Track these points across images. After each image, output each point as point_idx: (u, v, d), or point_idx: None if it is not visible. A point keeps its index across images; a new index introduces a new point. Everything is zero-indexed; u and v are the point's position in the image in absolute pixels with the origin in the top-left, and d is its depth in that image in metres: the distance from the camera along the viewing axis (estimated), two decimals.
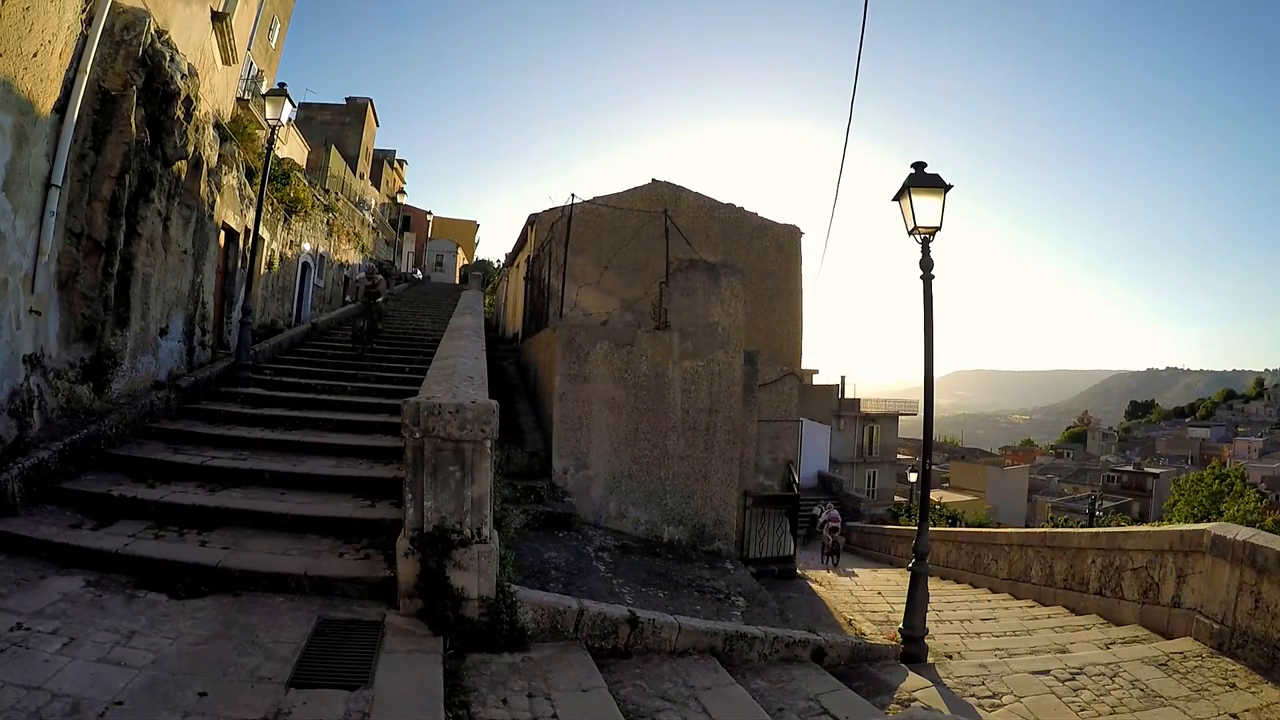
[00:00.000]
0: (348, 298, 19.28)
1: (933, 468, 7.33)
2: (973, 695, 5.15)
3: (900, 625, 6.27)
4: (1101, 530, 9.88)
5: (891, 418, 40.47)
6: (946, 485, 47.92)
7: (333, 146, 28.83)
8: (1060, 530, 11.74)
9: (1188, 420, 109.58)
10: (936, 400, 12.58)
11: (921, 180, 6.31)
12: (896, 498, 36.87)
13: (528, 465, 8.62)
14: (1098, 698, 4.99)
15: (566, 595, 5.22)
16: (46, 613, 4.04)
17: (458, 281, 42.07)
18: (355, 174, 33.26)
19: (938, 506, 29.61)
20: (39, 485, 5.52)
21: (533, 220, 18.52)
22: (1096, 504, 37.04)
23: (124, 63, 6.84)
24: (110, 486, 5.82)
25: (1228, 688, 5.05)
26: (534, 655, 4.44)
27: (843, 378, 41.12)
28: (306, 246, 16.88)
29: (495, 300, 32.01)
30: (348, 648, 4.00)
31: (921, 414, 8.40)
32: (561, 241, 13.29)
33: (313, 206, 17.36)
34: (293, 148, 23.37)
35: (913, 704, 5.07)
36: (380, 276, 14.50)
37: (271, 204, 13.40)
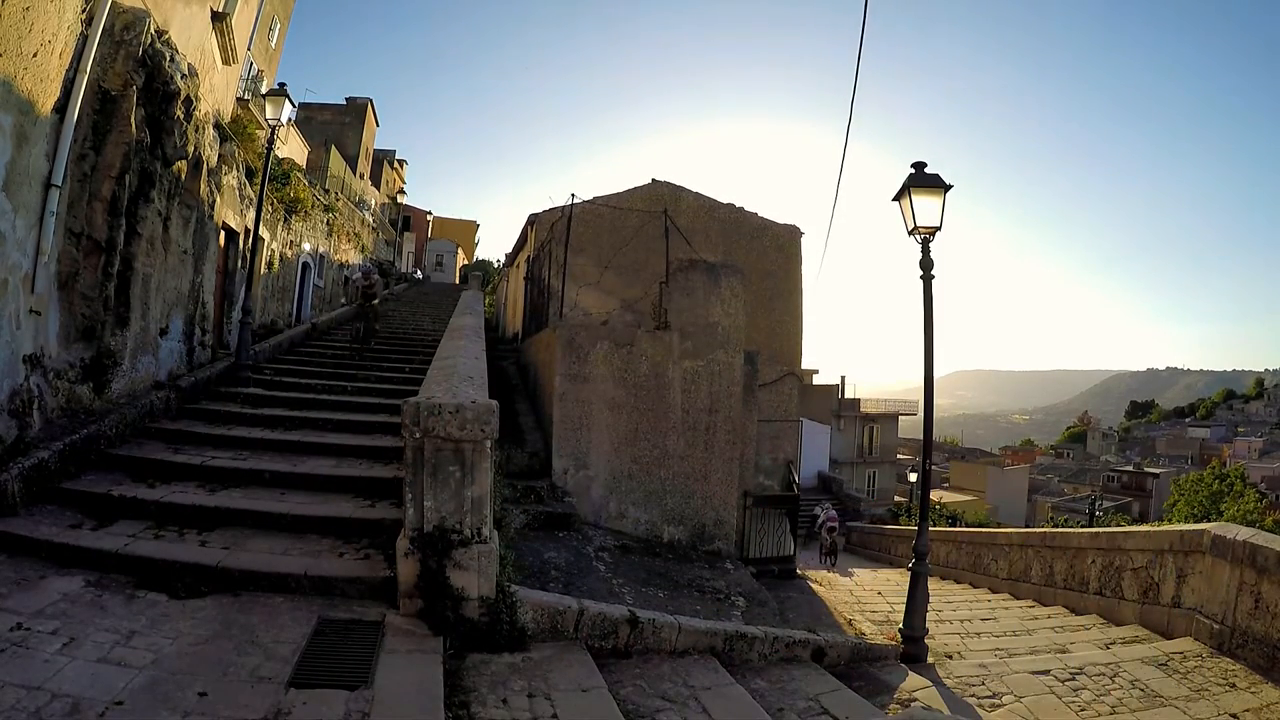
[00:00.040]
0: (343, 300, 19.11)
1: (933, 468, 7.33)
2: (973, 695, 5.16)
3: (900, 625, 6.27)
4: (1101, 530, 9.88)
5: (891, 418, 40.47)
6: (946, 485, 47.93)
7: (333, 146, 28.83)
8: (1060, 530, 11.74)
9: (1188, 420, 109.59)
10: (936, 400, 12.58)
11: (921, 180, 6.31)
12: (896, 498, 36.88)
13: (528, 465, 8.62)
14: (1098, 698, 4.99)
15: (566, 595, 5.22)
16: (46, 613, 4.04)
17: (458, 281, 42.06)
18: (355, 174, 33.27)
19: (938, 506, 29.61)
20: (39, 485, 5.52)
21: (533, 220, 18.52)
22: (1096, 504, 37.04)
23: (124, 63, 6.84)
24: (110, 486, 5.82)
25: (1228, 688, 5.05)
26: (534, 655, 4.44)
27: (843, 378, 41.16)
28: (306, 246, 16.88)
29: (495, 300, 32.01)
30: (348, 648, 4.00)
31: (921, 414, 8.40)
32: (561, 241, 13.29)
33: (313, 206, 17.36)
34: (293, 148, 23.37)
35: (913, 704, 5.07)
36: (377, 277, 14.34)
37: (271, 204, 13.40)
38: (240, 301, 11.27)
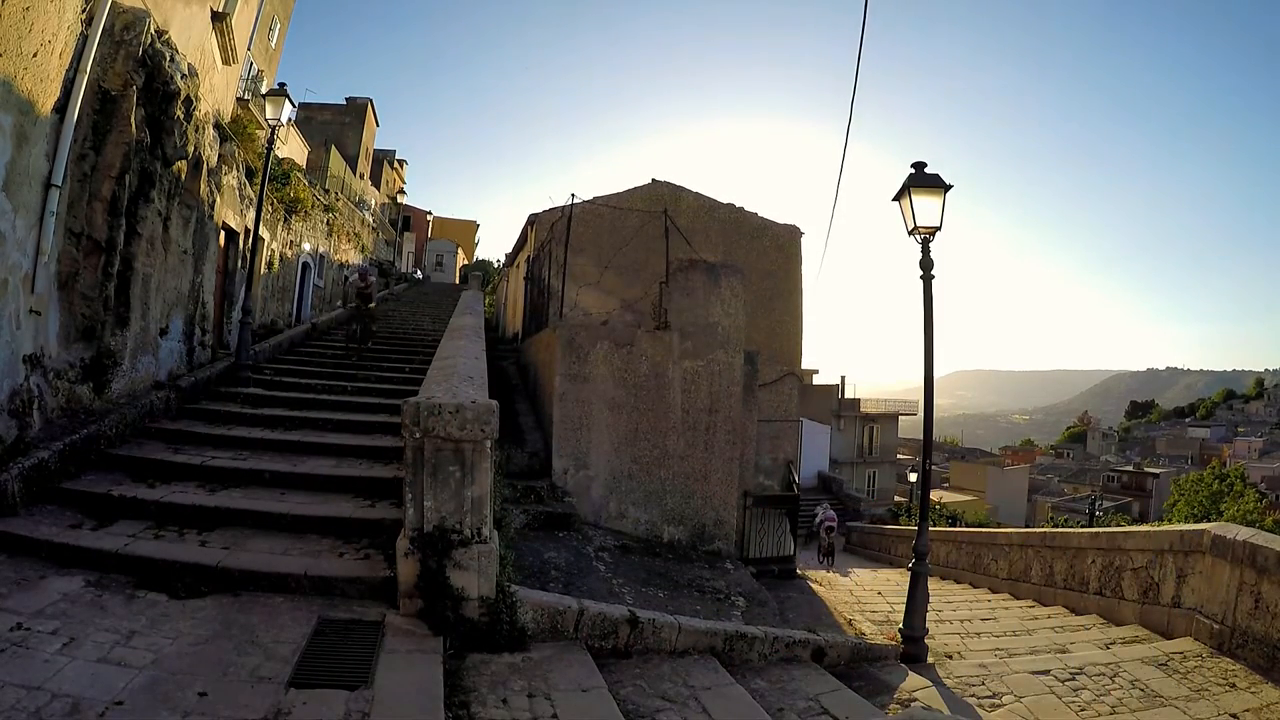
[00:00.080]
0: (338, 302, 18.82)
1: (933, 468, 7.33)
2: (973, 695, 5.16)
3: (900, 625, 6.27)
4: (1101, 530, 9.88)
5: (891, 418, 40.48)
6: (946, 485, 47.93)
7: (333, 146, 28.83)
8: (1060, 530, 11.74)
9: (1188, 420, 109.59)
10: (936, 400, 12.59)
11: (921, 180, 6.31)
12: (896, 498, 36.88)
13: (528, 465, 8.62)
14: (1098, 698, 4.99)
15: (566, 595, 5.22)
16: (46, 613, 4.04)
17: (458, 281, 42.06)
18: (355, 174, 33.27)
19: (938, 506, 29.61)
20: (39, 485, 5.52)
21: (533, 220, 18.52)
22: (1096, 504, 37.04)
23: (124, 63, 6.84)
24: (110, 486, 5.82)
25: (1228, 688, 5.05)
26: (534, 655, 4.44)
27: (843, 378, 41.17)
28: (306, 246, 16.88)
29: (495, 300, 32.01)
30: (348, 648, 4.00)
31: (921, 414, 8.40)
32: (561, 241, 13.28)
33: (313, 206, 17.36)
34: (293, 148, 23.37)
35: (913, 704, 5.07)
36: (373, 278, 14.10)
37: (271, 204, 13.40)
38: (240, 301, 11.27)
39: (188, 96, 8.08)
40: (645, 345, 8.59)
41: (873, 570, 14.51)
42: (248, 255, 11.10)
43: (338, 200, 22.59)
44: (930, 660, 5.98)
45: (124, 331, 7.46)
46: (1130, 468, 60.26)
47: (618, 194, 17.55)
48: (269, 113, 10.68)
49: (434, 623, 4.31)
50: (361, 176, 35.28)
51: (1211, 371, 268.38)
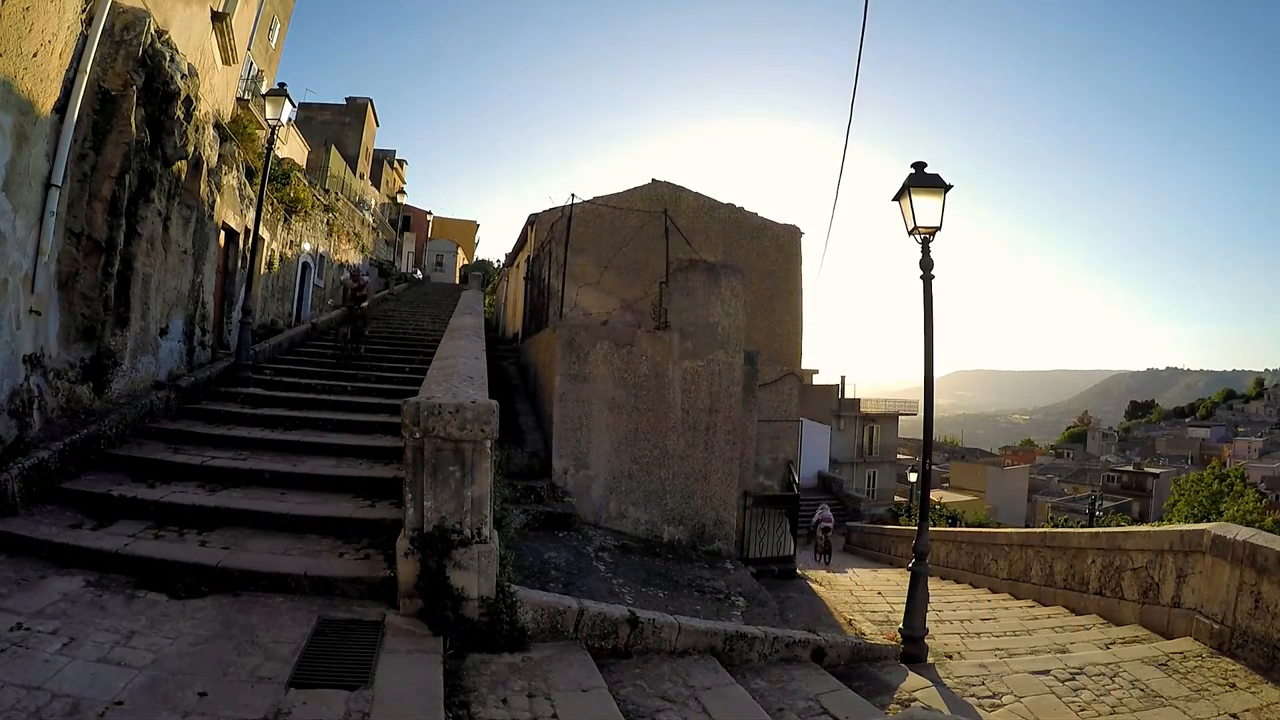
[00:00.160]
0: (330, 303, 18.41)
1: (933, 468, 7.33)
2: (973, 695, 5.15)
3: (900, 625, 6.27)
4: (1101, 530, 9.88)
5: (891, 418, 40.48)
6: (946, 485, 47.93)
7: (333, 146, 28.82)
8: (1060, 530, 11.74)
9: (1188, 420, 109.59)
10: (936, 400, 12.59)
11: (921, 180, 6.31)
12: (896, 498, 36.88)
13: (528, 465, 8.62)
14: (1098, 698, 4.99)
15: (566, 595, 5.22)
16: (46, 613, 4.04)
17: (458, 281, 42.06)
18: (355, 174, 33.27)
19: (938, 506, 29.62)
20: (39, 485, 5.52)
21: (533, 220, 18.53)
22: (1096, 504, 37.04)
23: (124, 63, 6.84)
24: (110, 486, 5.82)
25: (1228, 688, 5.05)
26: (534, 655, 4.44)
27: (843, 378, 41.17)
28: (306, 246, 16.88)
29: (495, 300, 32.01)
30: (348, 648, 4.00)
31: (921, 414, 8.40)
32: (561, 241, 13.28)
33: (313, 206, 17.36)
34: (293, 148, 23.37)
35: (913, 704, 5.07)
36: (366, 279, 13.68)
37: (271, 204, 13.40)
38: (240, 301, 11.27)
39: (188, 96, 8.08)
40: (645, 345, 8.59)
41: (873, 570, 14.51)
42: (248, 255, 11.11)
43: (338, 200, 22.59)
44: (930, 660, 5.98)
45: (124, 331, 7.46)
46: (1130, 468, 60.27)
47: (618, 194, 17.55)
48: (269, 113, 10.68)
49: (434, 623, 4.31)
50: (361, 176, 35.28)
51: (1211, 371, 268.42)
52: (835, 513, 21.46)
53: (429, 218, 54.94)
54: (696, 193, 19.01)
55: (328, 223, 19.43)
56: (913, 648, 6.09)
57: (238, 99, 13.91)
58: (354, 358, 12.25)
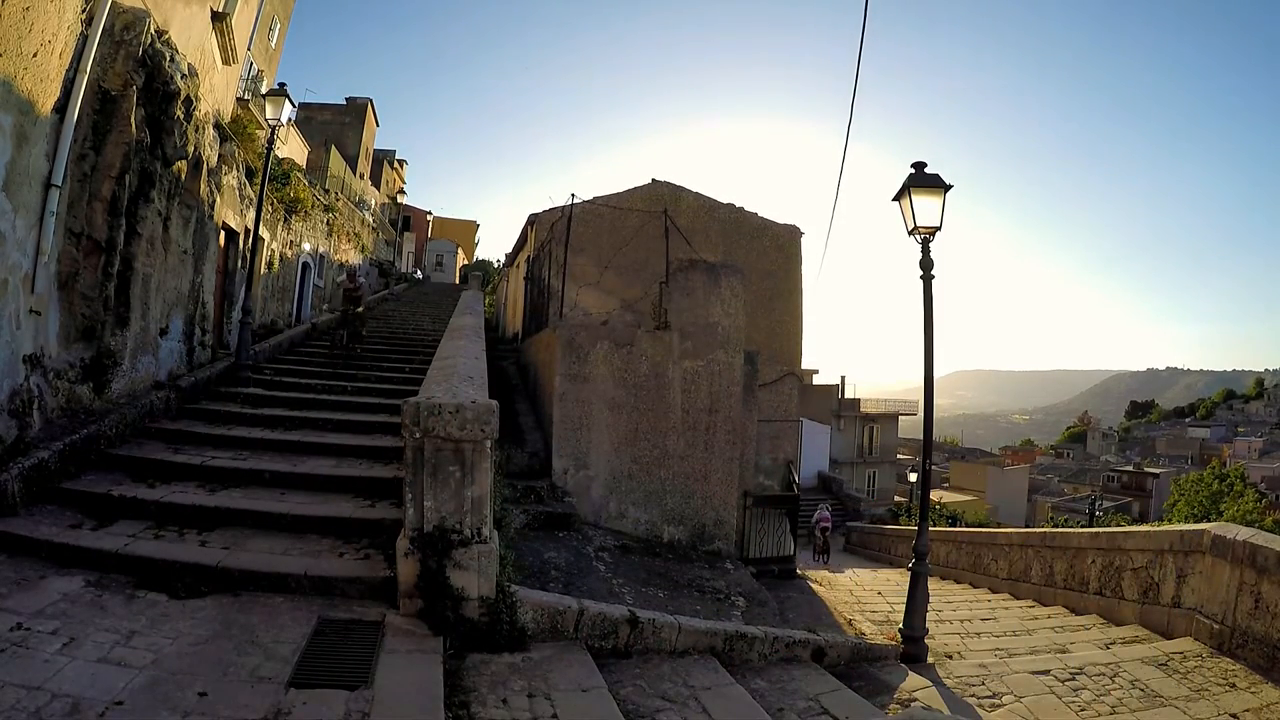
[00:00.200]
0: (324, 305, 18.02)
1: (933, 468, 7.33)
2: (973, 695, 5.15)
3: (900, 625, 6.27)
4: (1101, 530, 9.88)
5: (891, 418, 40.48)
6: (946, 485, 47.93)
7: (333, 146, 28.82)
8: (1060, 530, 11.74)
9: (1188, 420, 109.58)
10: (936, 400, 12.59)
11: (921, 180, 6.31)
12: (896, 498, 36.89)
13: (528, 465, 8.62)
14: (1098, 698, 4.99)
15: (566, 595, 5.22)
16: (46, 613, 4.04)
17: (458, 281, 42.06)
18: (355, 174, 33.26)
19: (938, 506, 29.62)
20: (39, 485, 5.52)
21: (533, 220, 18.53)
22: (1096, 504, 37.04)
23: (124, 63, 6.84)
24: (110, 486, 5.82)
25: (1228, 688, 5.05)
26: (534, 655, 4.44)
27: (843, 378, 41.18)
28: (306, 246, 16.88)
29: (495, 300, 32.02)
30: (348, 648, 4.00)
31: (921, 414, 8.40)
32: (561, 241, 13.28)
33: (313, 206, 17.36)
34: (293, 148, 23.37)
35: (913, 704, 5.07)
36: (362, 279, 13.38)
37: (271, 204, 13.39)
38: (240, 301, 11.27)
39: (188, 96, 8.08)
40: (645, 345, 8.59)
41: (873, 570, 14.51)
42: (248, 255, 11.11)
43: (338, 200, 22.59)
44: (930, 660, 5.98)
45: (124, 331, 7.46)
46: (1130, 468, 60.27)
47: (618, 194, 17.56)
48: (269, 113, 10.68)
49: (434, 623, 4.31)
50: (361, 176, 35.28)
51: (1211, 371, 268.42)
52: (835, 513, 21.55)
53: (429, 218, 54.94)
54: (696, 193, 19.02)
55: (328, 223, 19.43)
56: (913, 648, 6.09)
57: (238, 99, 13.91)
58: (351, 360, 11.99)
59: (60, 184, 6.14)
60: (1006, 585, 9.99)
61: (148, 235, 7.70)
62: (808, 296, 19.97)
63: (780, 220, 19.86)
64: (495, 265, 49.71)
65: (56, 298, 6.54)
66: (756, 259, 18.20)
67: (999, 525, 22.73)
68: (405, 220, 46.29)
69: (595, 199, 16.43)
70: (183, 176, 8.55)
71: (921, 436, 7.10)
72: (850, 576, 12.21)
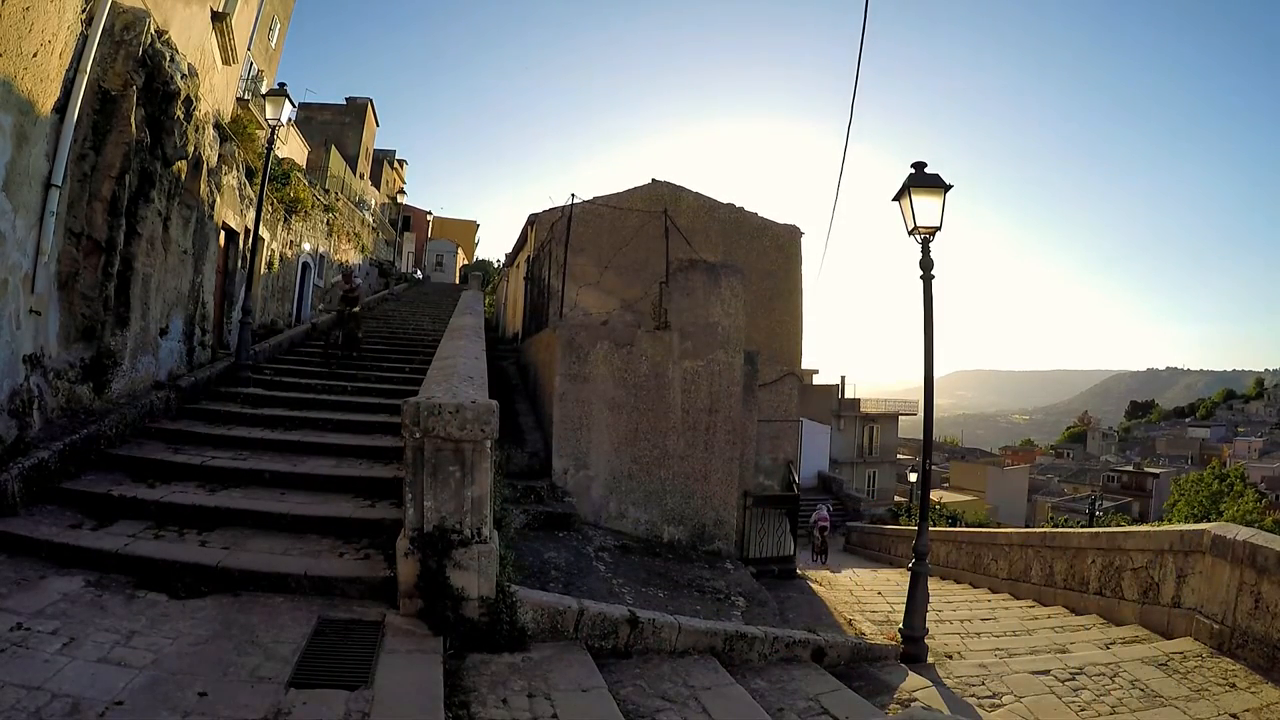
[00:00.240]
0: (320, 306, 17.44)
1: (933, 468, 7.33)
2: (973, 695, 5.15)
3: (900, 625, 6.27)
4: (1101, 530, 9.88)
5: (891, 418, 40.49)
6: (946, 485, 47.93)
7: (333, 146, 28.82)
8: (1060, 530, 11.74)
9: (1188, 420, 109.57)
10: (936, 400, 12.59)
11: (921, 180, 6.31)
12: (896, 498, 36.89)
13: (528, 465, 8.62)
14: (1098, 698, 4.99)
15: (566, 595, 5.22)
16: (46, 613, 4.04)
17: (458, 281, 42.07)
18: (355, 174, 33.26)
19: (938, 506, 29.61)
20: (39, 485, 5.52)
21: (533, 220, 18.53)
22: (1096, 504, 37.04)
23: (124, 63, 6.84)
24: (110, 486, 5.82)
25: (1228, 688, 5.05)
26: (534, 655, 4.44)
27: (843, 378, 41.18)
28: (306, 246, 16.88)
29: (495, 300, 32.02)
30: (348, 648, 4.00)
31: (921, 414, 8.40)
32: (561, 241, 13.28)
33: (313, 206, 17.36)
34: (293, 148, 23.37)
35: (913, 704, 5.07)
36: (359, 280, 13.03)
37: (271, 204, 13.40)
38: (240, 301, 11.27)
39: (188, 96, 8.08)
40: (645, 345, 8.59)
41: (873, 570, 14.51)
42: (248, 255, 11.11)
43: (338, 200, 22.59)
44: (930, 660, 5.98)
45: (124, 331, 7.46)
46: (1130, 468, 60.27)
47: (618, 194, 17.56)
48: (269, 113, 10.68)
49: (434, 623, 4.31)
50: (361, 176, 35.28)
51: (1211, 371, 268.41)
52: (835, 512, 21.59)
53: (429, 218, 54.94)
54: (696, 193, 19.01)
55: (328, 223, 19.43)
56: (913, 648, 6.09)
57: (238, 99, 13.91)
58: (347, 363, 11.64)
59: (60, 184, 6.14)
60: (1006, 585, 9.99)
61: (148, 235, 7.70)
62: (808, 296, 20.01)
63: (780, 220, 19.87)
64: (495, 265, 49.72)
65: (56, 298, 6.54)
66: (756, 259, 18.20)
67: (999, 525, 22.73)
68: (405, 220, 46.29)
69: (595, 199, 16.44)
70: (183, 176, 8.56)
71: (921, 436, 7.10)
72: (850, 576, 12.21)
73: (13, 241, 5.67)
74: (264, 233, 12.41)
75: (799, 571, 9.87)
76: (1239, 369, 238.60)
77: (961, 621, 7.83)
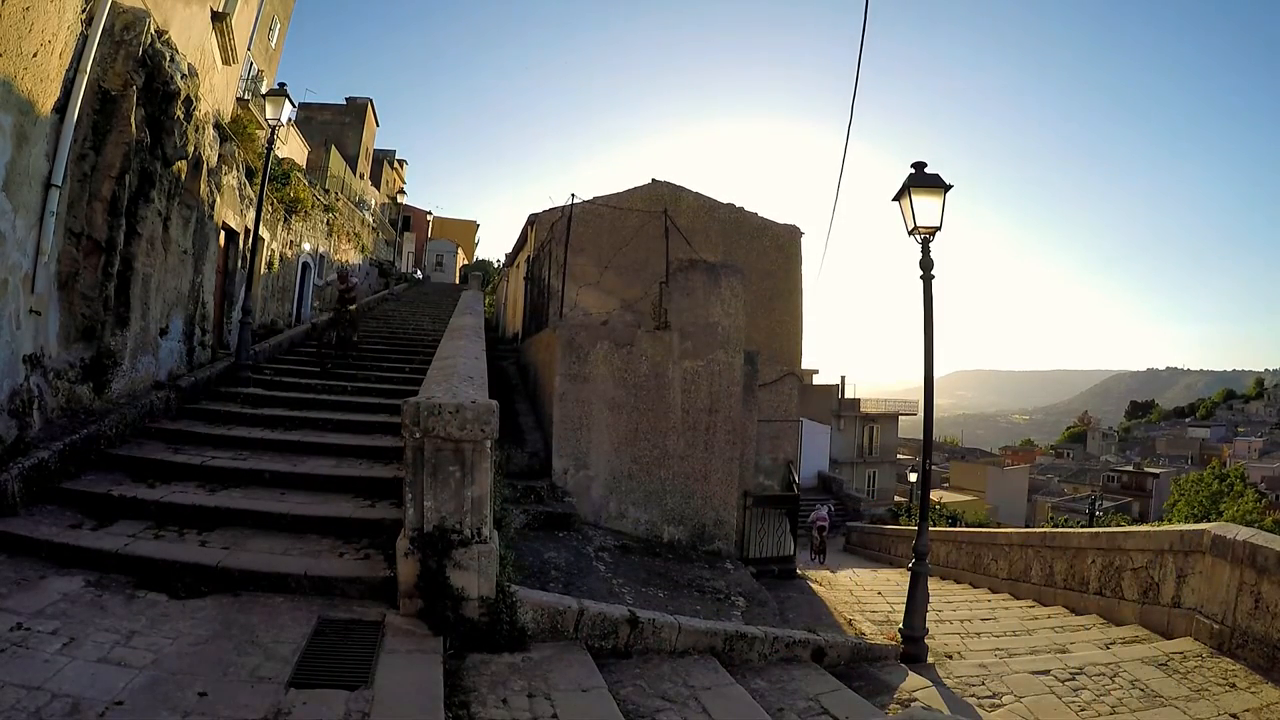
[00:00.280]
0: (315, 305, 17.19)
1: (933, 468, 7.33)
2: (973, 695, 5.15)
3: (900, 625, 6.27)
4: (1101, 530, 9.88)
5: (891, 418, 40.49)
6: (946, 485, 47.93)
7: (333, 146, 28.82)
8: (1060, 530, 11.74)
9: (1188, 420, 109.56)
10: (936, 400, 12.60)
11: (921, 180, 6.31)
12: (896, 498, 36.88)
13: (528, 465, 8.62)
14: (1098, 698, 4.99)
15: (566, 595, 5.22)
16: (46, 613, 4.04)
17: (458, 281, 42.07)
18: (355, 174, 33.26)
19: (938, 506, 29.61)
20: (39, 485, 5.51)
21: (533, 220, 18.53)
22: (1096, 504, 37.04)
23: (124, 63, 6.84)
24: (110, 486, 5.82)
25: (1228, 688, 5.05)
26: (534, 655, 4.44)
27: (843, 378, 41.17)
28: (306, 246, 16.88)
29: (495, 300, 32.02)
30: (348, 648, 4.00)
31: (921, 414, 8.40)
32: (561, 241, 13.28)
33: (313, 206, 17.35)
34: (293, 148, 23.37)
35: (913, 704, 5.07)
36: (355, 280, 12.87)
37: (271, 204, 13.39)
38: (240, 301, 11.27)
39: (188, 96, 8.08)
40: (645, 345, 8.59)
41: (873, 570, 14.51)
42: (248, 255, 11.10)
43: (338, 200, 22.59)
44: (930, 660, 5.98)
45: (124, 331, 7.46)
46: (1130, 468, 60.27)
47: (618, 194, 17.56)
48: (269, 113, 10.68)
49: (434, 623, 4.31)
50: (361, 176, 35.28)
51: (1211, 371, 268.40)
52: (836, 512, 21.64)
53: (429, 218, 54.95)
54: (696, 193, 19.01)
55: (328, 223, 19.42)
56: (913, 648, 6.09)
57: (238, 99, 13.91)
58: (341, 365, 11.39)
59: (60, 184, 6.14)
60: (1006, 585, 9.99)
61: (148, 235, 7.70)
62: (808, 296, 20.00)
63: (780, 220, 19.87)
64: (495, 265, 49.72)
65: (56, 298, 6.54)
66: (756, 259, 18.19)
67: (999, 525, 22.73)
68: (405, 220, 46.30)
69: (595, 199, 16.43)
70: (183, 176, 8.56)
71: (921, 436, 7.10)
72: (850, 576, 12.21)
73: (13, 241, 5.67)
74: (264, 233, 12.41)
75: (799, 571, 9.87)
76: (1239, 369, 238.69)
77: (961, 621, 7.83)
